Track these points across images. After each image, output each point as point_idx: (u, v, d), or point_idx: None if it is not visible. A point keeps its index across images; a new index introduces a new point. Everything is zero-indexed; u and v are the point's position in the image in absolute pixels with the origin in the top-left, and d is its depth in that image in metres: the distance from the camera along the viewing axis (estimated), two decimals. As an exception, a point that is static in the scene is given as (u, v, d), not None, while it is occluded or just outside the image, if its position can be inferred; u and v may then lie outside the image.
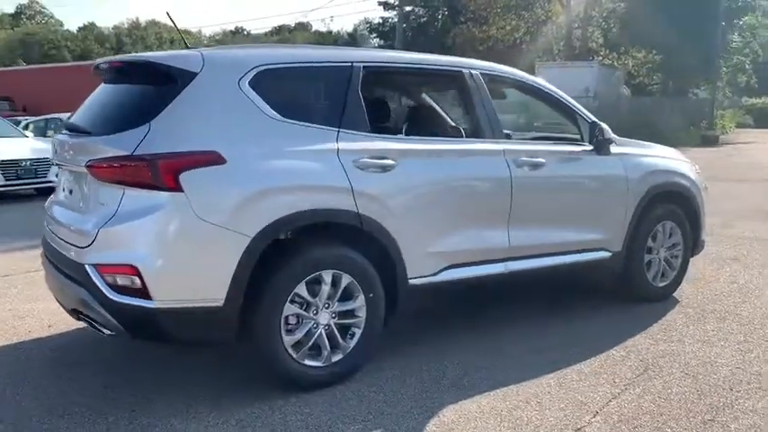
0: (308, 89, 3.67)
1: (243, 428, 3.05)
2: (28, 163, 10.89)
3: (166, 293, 3.04)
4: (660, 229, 4.87)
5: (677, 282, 5.04)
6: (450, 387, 3.47)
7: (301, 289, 3.30)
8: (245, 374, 3.58)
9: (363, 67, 3.64)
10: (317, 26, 71.65)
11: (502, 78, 4.41)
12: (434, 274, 3.75)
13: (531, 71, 25.77)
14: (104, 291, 3.05)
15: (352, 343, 3.49)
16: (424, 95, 5.12)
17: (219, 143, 3.13)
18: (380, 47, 42.41)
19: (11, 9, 77.05)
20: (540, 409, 3.24)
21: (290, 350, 3.31)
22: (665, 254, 4.94)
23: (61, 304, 3.58)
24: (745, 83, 37.58)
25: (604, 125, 4.50)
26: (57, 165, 3.87)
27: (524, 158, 4.08)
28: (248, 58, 3.43)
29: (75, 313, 3.40)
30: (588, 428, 3.06)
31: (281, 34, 69.22)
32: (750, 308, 4.81)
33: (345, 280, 3.42)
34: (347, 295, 3.45)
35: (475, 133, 4.09)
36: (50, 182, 10.26)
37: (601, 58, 32.52)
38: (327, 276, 3.36)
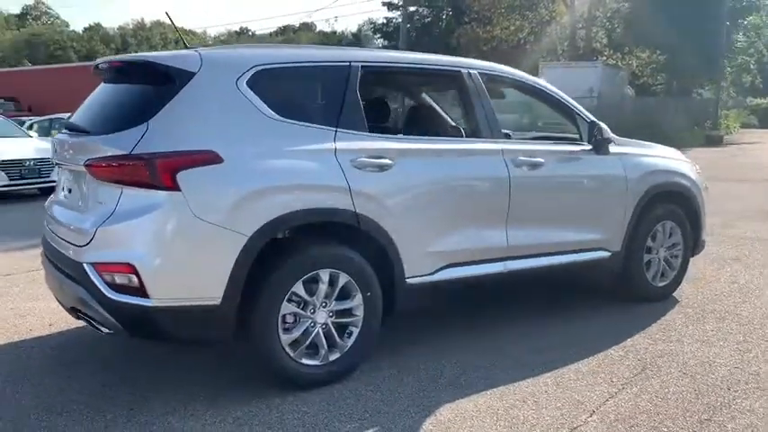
0: (306, 89, 3.68)
1: (240, 427, 3.06)
2: (31, 163, 10.93)
3: (164, 292, 3.06)
4: (660, 228, 4.86)
5: (677, 282, 5.03)
6: (448, 386, 3.48)
7: (299, 288, 3.31)
8: (243, 373, 3.60)
9: (361, 66, 3.65)
10: (322, 26, 71.82)
11: (501, 78, 4.42)
12: (432, 274, 3.76)
13: (535, 71, 25.84)
14: (102, 289, 3.07)
15: (350, 342, 3.50)
16: (422, 95, 5.12)
17: (217, 142, 3.14)
18: (385, 47, 42.41)
19: (17, 10, 77.42)
20: (536, 408, 3.25)
21: (288, 349, 3.32)
22: (665, 254, 4.93)
23: (60, 303, 3.61)
24: (750, 83, 37.55)
25: (603, 125, 4.50)
26: (56, 164, 3.89)
27: (523, 158, 4.09)
28: (246, 57, 3.44)
29: (74, 312, 3.42)
30: (584, 427, 3.06)
31: (286, 34, 69.34)
32: (750, 308, 4.80)
33: (343, 279, 3.43)
34: (344, 294, 3.46)
35: (473, 133, 4.09)
36: (54, 182, 10.24)
37: (605, 58, 32.48)
38: (325, 275, 3.37)
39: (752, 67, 36.07)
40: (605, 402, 3.30)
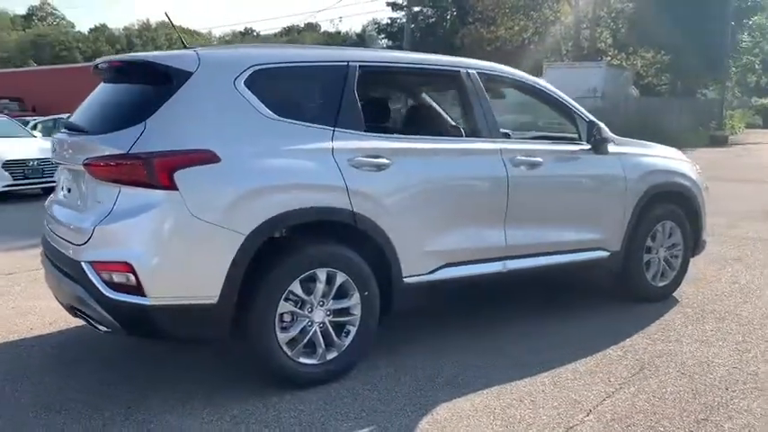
0: (304, 88, 3.68)
1: (237, 425, 3.07)
2: (35, 163, 10.97)
3: (161, 290, 3.07)
4: (660, 228, 4.86)
5: (677, 282, 5.03)
6: (445, 385, 3.48)
7: (296, 287, 3.32)
8: (241, 371, 3.60)
9: (359, 66, 3.66)
10: (326, 27, 71.74)
11: (499, 78, 4.42)
12: (430, 273, 3.76)
13: (539, 72, 25.84)
14: (100, 288, 3.08)
15: (347, 341, 3.51)
16: (420, 95, 5.13)
17: (214, 142, 3.15)
18: (389, 47, 42.45)
19: (23, 11, 77.66)
20: (533, 407, 3.25)
21: (285, 347, 3.33)
22: (665, 254, 4.92)
23: (60, 302, 3.62)
24: (755, 83, 37.43)
25: (602, 124, 4.50)
26: (56, 163, 3.91)
27: (521, 158, 4.09)
28: (244, 57, 3.45)
29: (72, 310, 3.43)
30: (580, 427, 3.06)
31: (291, 35, 69.36)
32: (750, 308, 4.80)
33: (340, 278, 3.43)
34: (342, 293, 3.47)
35: (471, 132, 4.10)
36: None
37: (609, 58, 32.43)
38: (322, 274, 3.38)
39: (757, 66, 35.93)
40: (602, 402, 3.30)
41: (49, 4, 75.81)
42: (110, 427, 3.05)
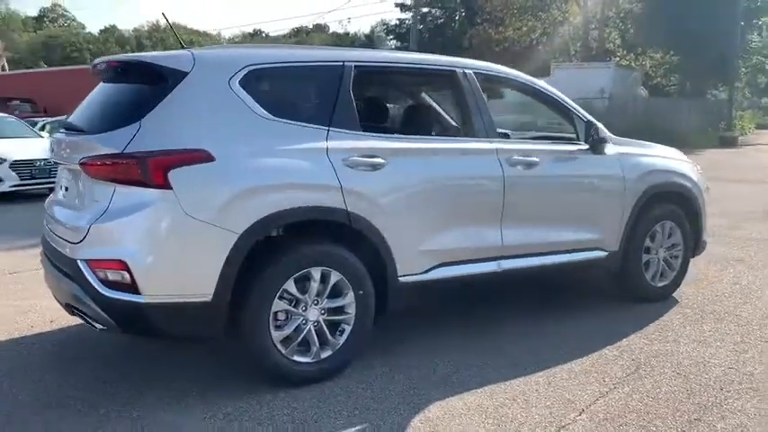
0: (299, 88, 3.71)
1: (230, 422, 3.09)
2: (42, 163, 11.04)
3: (155, 288, 3.10)
4: (659, 229, 4.84)
5: (677, 282, 5.01)
6: (439, 384, 3.49)
7: (290, 285, 3.34)
8: (235, 369, 3.62)
9: (355, 66, 3.68)
10: (335, 28, 71.80)
11: (496, 78, 4.42)
12: (425, 272, 3.77)
13: (547, 72, 25.80)
14: (96, 286, 3.11)
15: (342, 339, 3.52)
16: (416, 95, 5.14)
17: (209, 141, 3.18)
18: (397, 48, 42.45)
19: (34, 12, 78.21)
20: (526, 406, 3.25)
21: (279, 346, 3.35)
22: (665, 254, 4.91)
23: (58, 300, 3.65)
24: (765, 83, 37.11)
25: (600, 124, 4.49)
26: (55, 163, 3.95)
27: (517, 157, 4.09)
28: (239, 57, 3.48)
29: (69, 308, 3.46)
30: (572, 426, 3.06)
31: (299, 36, 69.48)
32: (750, 309, 4.77)
33: (334, 277, 3.45)
34: (336, 292, 3.48)
35: (468, 132, 4.10)
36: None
37: (618, 58, 32.32)
38: (316, 273, 3.40)
39: (767, 67, 35.67)
40: (595, 401, 3.30)
41: (60, 6, 76.35)
42: (105, 424, 3.08)
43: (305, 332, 3.41)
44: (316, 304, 3.43)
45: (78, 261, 3.17)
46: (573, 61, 32.29)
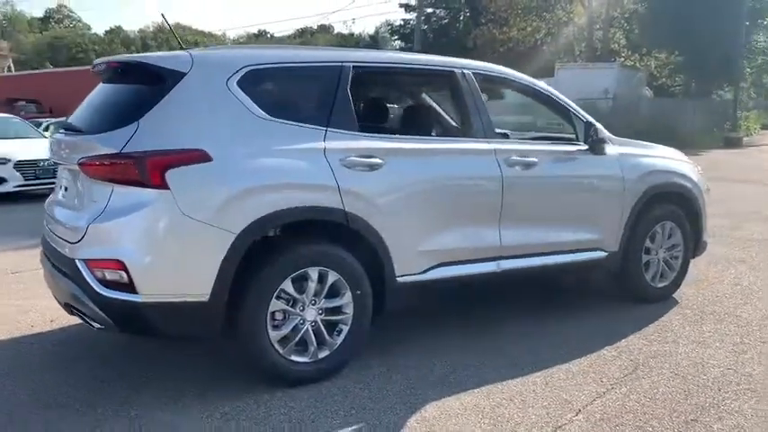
0: (297, 89, 3.72)
1: (227, 422, 3.10)
2: (46, 163, 11.06)
3: (153, 288, 3.11)
4: (659, 229, 4.84)
5: (677, 283, 5.00)
6: (436, 384, 3.49)
7: (287, 285, 3.35)
8: (233, 369, 3.63)
9: (353, 67, 3.68)
10: (339, 28, 71.93)
11: (496, 78, 4.42)
12: (423, 272, 3.77)
13: (551, 73, 25.75)
14: (93, 285, 3.13)
15: (339, 339, 3.53)
16: (414, 95, 5.14)
17: (206, 141, 3.19)
18: (402, 49, 42.48)
19: (40, 13, 78.44)
20: (522, 406, 3.25)
21: (277, 345, 3.35)
22: (665, 254, 4.90)
23: (57, 300, 3.67)
24: (771, 84, 36.88)
25: (599, 125, 4.49)
26: (55, 163, 3.97)
27: (515, 158, 4.09)
28: (237, 58, 3.49)
29: (68, 308, 3.48)
30: (569, 426, 3.06)
31: (304, 37, 69.55)
32: (750, 309, 4.76)
33: (332, 277, 3.45)
34: (334, 292, 3.49)
35: (466, 132, 4.11)
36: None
37: (623, 59, 32.24)
38: (314, 273, 3.41)
39: (772, 67, 35.47)
40: (592, 402, 3.30)
41: (65, 7, 76.63)
42: (102, 423, 3.10)
43: (302, 332, 3.42)
44: (313, 304, 3.44)
45: (77, 261, 3.19)
46: (577, 62, 32.21)
